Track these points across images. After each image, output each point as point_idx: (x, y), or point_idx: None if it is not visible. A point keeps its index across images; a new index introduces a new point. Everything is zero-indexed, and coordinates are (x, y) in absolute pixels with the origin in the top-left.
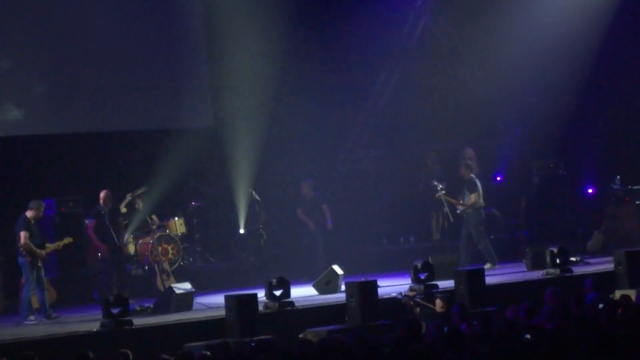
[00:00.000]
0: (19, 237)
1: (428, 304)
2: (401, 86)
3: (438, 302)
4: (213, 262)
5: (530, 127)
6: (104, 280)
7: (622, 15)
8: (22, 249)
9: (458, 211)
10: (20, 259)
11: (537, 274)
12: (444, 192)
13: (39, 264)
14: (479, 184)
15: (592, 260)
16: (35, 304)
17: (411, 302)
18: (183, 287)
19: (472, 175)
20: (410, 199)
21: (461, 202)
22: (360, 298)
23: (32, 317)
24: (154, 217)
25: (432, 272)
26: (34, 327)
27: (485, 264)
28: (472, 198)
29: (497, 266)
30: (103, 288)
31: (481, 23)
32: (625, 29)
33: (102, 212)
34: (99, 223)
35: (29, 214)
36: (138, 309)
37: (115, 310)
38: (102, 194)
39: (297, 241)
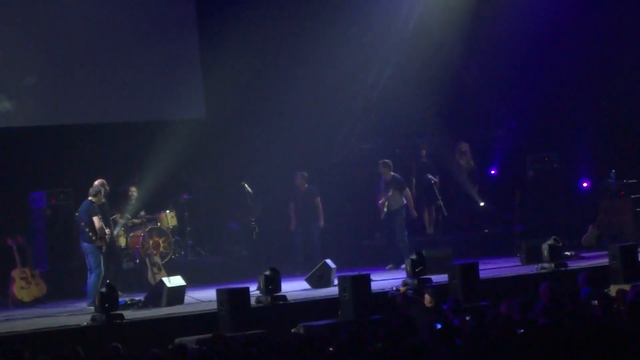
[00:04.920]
0: (92, 222)
1: (419, 299)
2: (395, 78)
3: (427, 297)
4: (205, 256)
5: (525, 121)
6: None
7: (617, 9)
8: (95, 233)
9: (385, 209)
10: (88, 245)
11: (532, 269)
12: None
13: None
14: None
15: (587, 255)
16: None
17: (402, 297)
18: (174, 280)
19: (393, 174)
20: None
21: (386, 202)
22: (353, 292)
23: None
24: (142, 213)
25: (424, 266)
26: (23, 321)
27: (389, 264)
28: (408, 192)
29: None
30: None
31: (475, 15)
32: (621, 23)
33: (97, 205)
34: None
35: (92, 199)
36: (129, 302)
37: (106, 304)
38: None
39: (290, 234)
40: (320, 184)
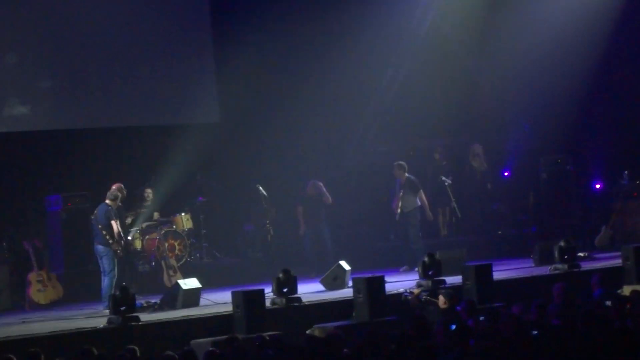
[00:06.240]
0: (111, 225)
1: (433, 300)
2: (409, 81)
3: (441, 298)
4: (220, 258)
5: (538, 123)
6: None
7: (629, 11)
8: (113, 236)
9: (399, 211)
10: (103, 248)
11: (545, 270)
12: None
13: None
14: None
15: (600, 256)
16: None
17: (416, 299)
18: (190, 283)
19: (408, 175)
20: None
21: (399, 205)
22: (367, 294)
23: None
24: (157, 215)
25: (439, 267)
26: (40, 324)
27: (403, 266)
28: (422, 195)
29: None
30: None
31: (489, 18)
32: (633, 25)
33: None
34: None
35: (109, 202)
36: (145, 304)
37: (122, 307)
38: (116, 189)
39: (301, 237)
40: (334, 187)
